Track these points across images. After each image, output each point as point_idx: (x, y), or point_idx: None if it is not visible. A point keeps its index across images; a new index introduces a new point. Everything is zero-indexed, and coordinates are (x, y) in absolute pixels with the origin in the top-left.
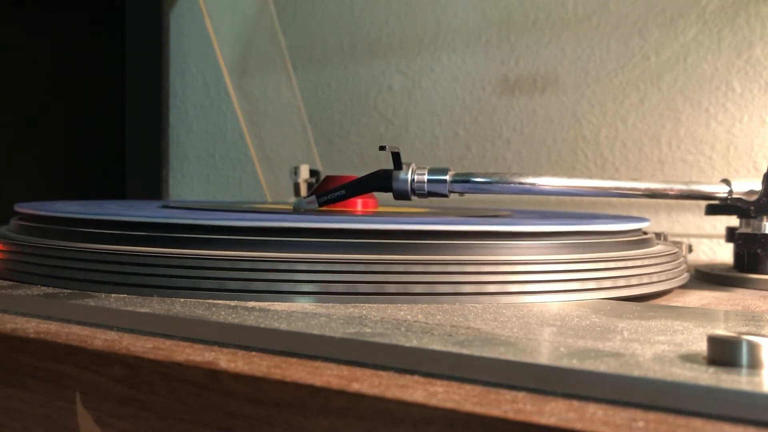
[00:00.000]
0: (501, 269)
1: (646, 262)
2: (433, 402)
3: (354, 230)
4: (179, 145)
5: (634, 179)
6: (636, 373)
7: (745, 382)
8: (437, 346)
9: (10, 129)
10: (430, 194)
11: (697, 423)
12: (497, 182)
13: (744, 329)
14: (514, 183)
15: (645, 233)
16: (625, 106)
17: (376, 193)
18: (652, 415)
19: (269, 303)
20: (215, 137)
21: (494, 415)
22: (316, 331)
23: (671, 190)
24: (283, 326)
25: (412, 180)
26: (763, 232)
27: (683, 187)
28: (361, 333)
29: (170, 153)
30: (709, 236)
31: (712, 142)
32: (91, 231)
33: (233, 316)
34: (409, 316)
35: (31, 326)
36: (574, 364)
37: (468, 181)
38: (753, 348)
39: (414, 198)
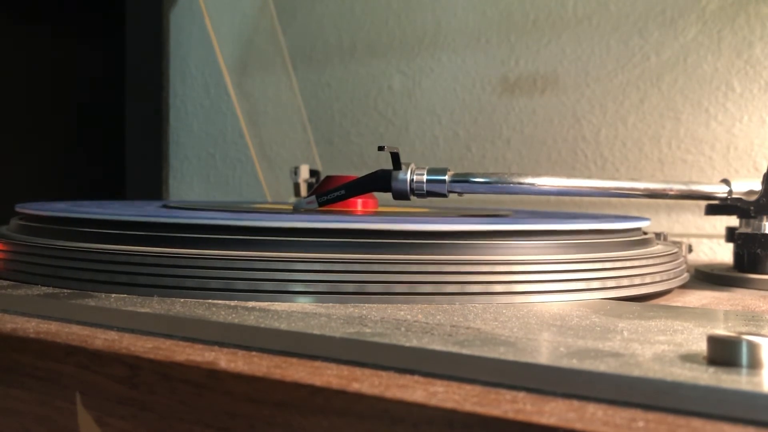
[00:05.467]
0: (501, 269)
1: (646, 262)
2: (433, 402)
3: (354, 230)
4: (179, 145)
5: (634, 179)
6: (636, 373)
7: (745, 382)
8: (437, 346)
9: (10, 129)
10: (429, 194)
11: (697, 423)
12: (496, 182)
13: (744, 329)
14: (513, 183)
15: (645, 233)
16: (625, 106)
17: (375, 194)
18: (652, 415)
19: (269, 303)
20: (215, 137)
21: (494, 415)
22: (316, 331)
23: (671, 190)
24: (283, 326)
25: (411, 180)
26: (763, 232)
27: (683, 187)
28: (361, 333)
29: (170, 153)
30: (709, 236)
31: (712, 142)
32: (91, 231)
33: (233, 316)
34: (409, 316)
35: (31, 326)
36: (574, 364)
37: (467, 181)
38: (753, 348)
39: (413, 198)
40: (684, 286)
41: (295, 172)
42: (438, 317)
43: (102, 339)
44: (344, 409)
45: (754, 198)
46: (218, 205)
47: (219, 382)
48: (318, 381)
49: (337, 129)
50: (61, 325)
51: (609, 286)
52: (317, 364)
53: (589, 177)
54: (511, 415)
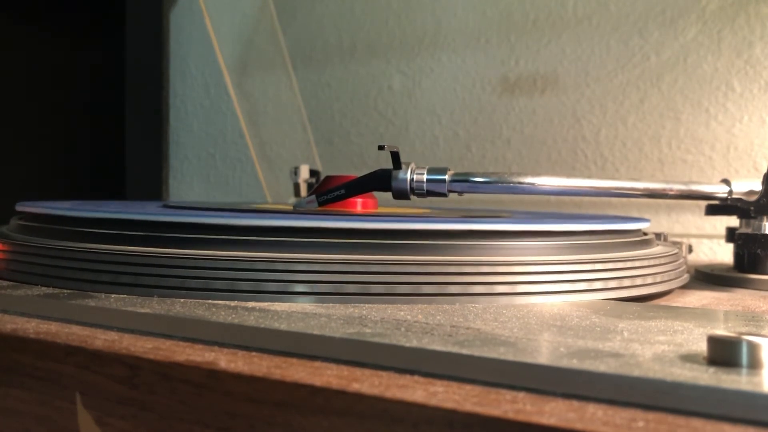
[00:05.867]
0: (501, 269)
1: (646, 262)
2: (433, 402)
3: (354, 230)
4: (179, 145)
5: (634, 179)
6: (636, 373)
7: (745, 382)
8: (437, 346)
9: (10, 129)
10: (429, 194)
11: (697, 423)
12: (496, 182)
13: (744, 329)
14: (513, 183)
15: (645, 234)
16: (625, 106)
17: (375, 193)
18: (652, 415)
19: (269, 303)
20: (215, 137)
21: (494, 415)
22: (316, 331)
23: (671, 190)
24: (283, 326)
25: (411, 179)
26: (763, 232)
27: (683, 187)
28: (361, 333)
29: (170, 153)
30: (709, 236)
31: (712, 142)
32: (92, 231)
33: (233, 316)
34: (409, 316)
35: (31, 326)
36: (574, 364)
37: (467, 181)
38: (753, 348)
39: (413, 197)
40: (684, 287)
41: (295, 172)
42: (438, 317)
43: (102, 339)
44: (344, 409)
45: (754, 198)
46: (218, 205)
47: (219, 382)
48: (318, 381)
49: (337, 129)
50: (61, 325)
51: (609, 286)
52: (317, 364)
53: (589, 177)
54: (511, 415)
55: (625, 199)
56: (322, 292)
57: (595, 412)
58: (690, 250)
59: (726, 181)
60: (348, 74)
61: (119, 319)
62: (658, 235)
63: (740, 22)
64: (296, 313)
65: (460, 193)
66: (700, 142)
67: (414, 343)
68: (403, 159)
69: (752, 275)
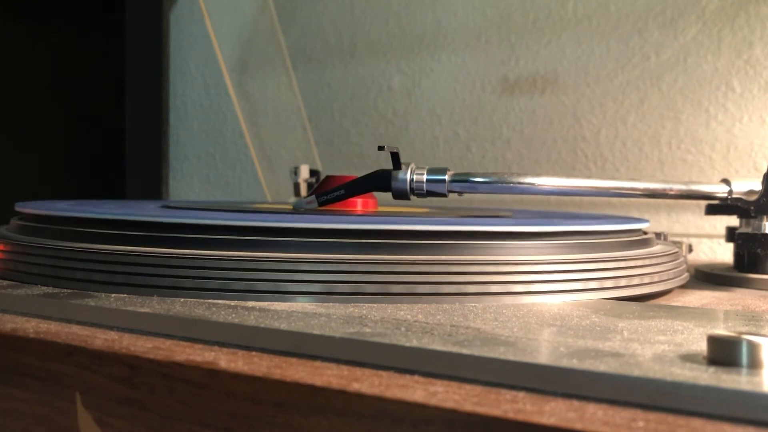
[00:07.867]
0: (501, 269)
1: (646, 262)
2: (433, 402)
3: (354, 230)
4: (179, 145)
5: (634, 179)
6: (636, 373)
7: (745, 382)
8: (437, 346)
9: (10, 129)
10: (429, 194)
11: (697, 423)
12: (496, 182)
13: (744, 329)
14: (513, 183)
15: (645, 233)
16: (625, 106)
17: (375, 193)
18: (652, 415)
19: (269, 303)
20: (215, 137)
21: (494, 415)
22: (316, 331)
23: (671, 190)
24: (283, 326)
25: (411, 180)
26: (763, 232)
27: (683, 187)
28: (361, 333)
29: (170, 153)
30: (709, 236)
31: (712, 142)
32: (92, 231)
33: (233, 316)
34: (409, 316)
35: (31, 326)
36: (574, 364)
37: (466, 181)
38: (753, 348)
39: (413, 198)
40: (684, 286)
41: (295, 172)
42: (438, 317)
43: (102, 339)
44: (344, 409)
45: (754, 198)
46: (218, 205)
47: (219, 382)
48: (318, 381)
49: (337, 129)
50: (61, 325)
51: (609, 286)
52: (317, 364)
53: (589, 177)
54: (511, 415)
55: (625, 199)
56: (322, 292)
57: (595, 412)
58: (690, 249)
59: (726, 181)
60: (348, 74)
61: (119, 319)
62: (658, 235)
63: (740, 22)
64: (296, 312)
65: (460, 193)
66: (700, 142)
67: (414, 343)
68: (403, 159)
69: (752, 275)
